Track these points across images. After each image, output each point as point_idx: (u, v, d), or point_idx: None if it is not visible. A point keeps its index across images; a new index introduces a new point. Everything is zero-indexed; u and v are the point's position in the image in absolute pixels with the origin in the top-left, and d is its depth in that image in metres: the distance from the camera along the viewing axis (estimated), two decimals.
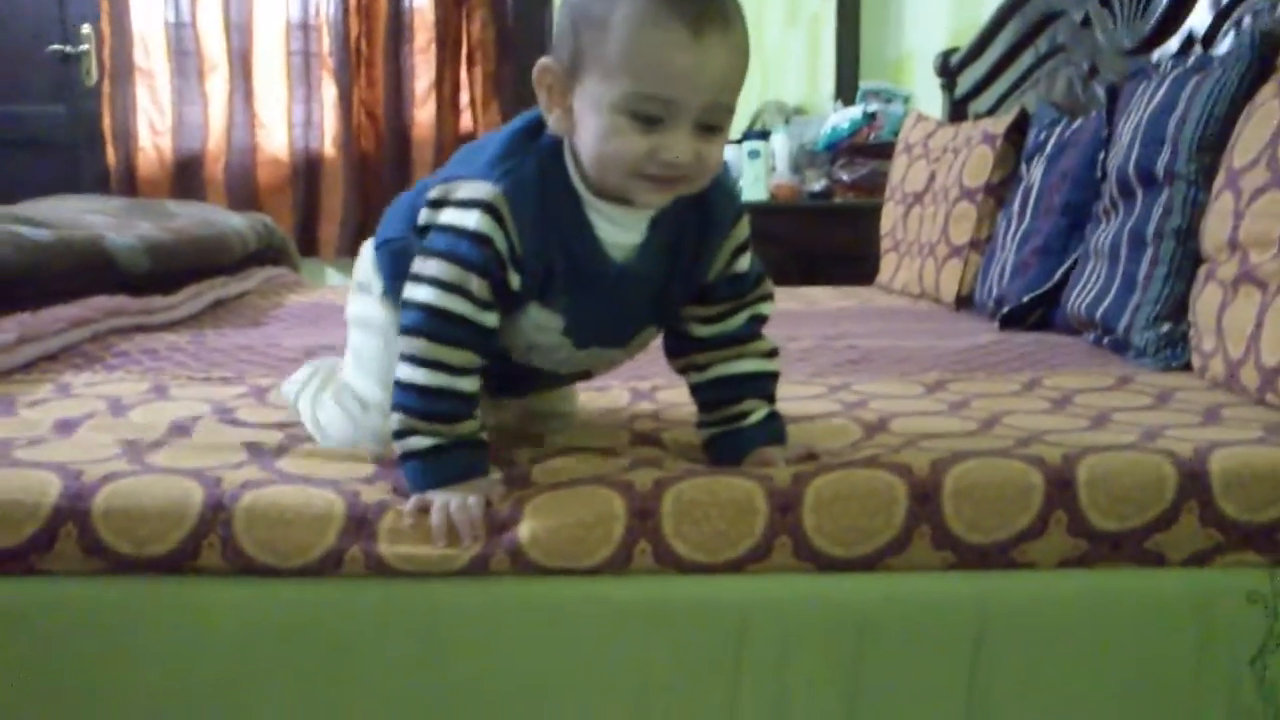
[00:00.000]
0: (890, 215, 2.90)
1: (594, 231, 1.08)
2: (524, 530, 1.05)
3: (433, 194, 1.09)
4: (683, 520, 1.06)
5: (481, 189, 1.04)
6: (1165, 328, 1.62)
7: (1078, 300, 1.88)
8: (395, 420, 1.07)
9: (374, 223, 4.37)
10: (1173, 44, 2.02)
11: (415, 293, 1.05)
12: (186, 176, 3.89)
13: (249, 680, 1.05)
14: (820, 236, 3.40)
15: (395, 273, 1.13)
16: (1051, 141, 2.24)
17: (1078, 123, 2.20)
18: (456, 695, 1.06)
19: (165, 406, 1.37)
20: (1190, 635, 1.09)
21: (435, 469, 1.06)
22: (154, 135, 3.88)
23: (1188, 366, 1.57)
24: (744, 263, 1.17)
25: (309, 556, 1.04)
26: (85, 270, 1.97)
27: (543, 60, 1.05)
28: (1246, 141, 1.51)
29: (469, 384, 1.07)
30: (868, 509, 1.08)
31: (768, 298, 1.20)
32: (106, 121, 3.87)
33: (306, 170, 3.93)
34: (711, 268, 1.15)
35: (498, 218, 1.04)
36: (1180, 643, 1.09)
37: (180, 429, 1.25)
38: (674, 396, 1.40)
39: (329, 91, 3.90)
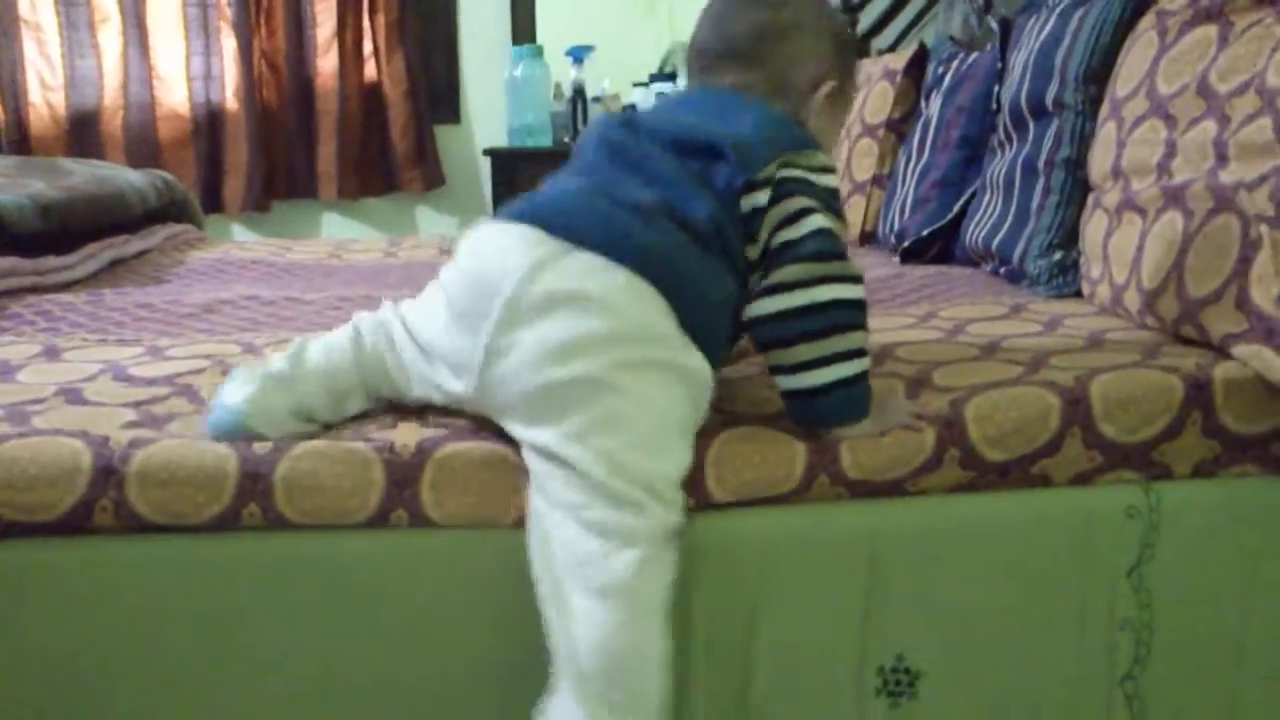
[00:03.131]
0: None
1: None
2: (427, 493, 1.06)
3: (785, 167, 1.13)
4: None
5: (829, 159, 1.18)
6: (1057, 256, 1.66)
7: (975, 232, 1.91)
8: (857, 339, 1.09)
9: (279, 176, 4.13)
10: None
11: (814, 221, 1.10)
12: (83, 133, 3.77)
13: (150, 640, 1.05)
14: None
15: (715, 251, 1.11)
16: (949, 76, 2.26)
17: (974, 56, 2.23)
18: (354, 644, 1.07)
19: (56, 368, 1.34)
20: (1074, 551, 1.13)
21: (867, 385, 1.12)
22: (45, 91, 3.75)
23: (1079, 294, 1.61)
24: None
25: (205, 515, 1.04)
26: None
27: (831, 79, 1.22)
28: (1128, 71, 1.54)
29: None
30: (769, 460, 1.10)
31: None
32: None
33: (208, 124, 3.83)
34: None
35: None
36: (1064, 558, 1.13)
37: (70, 391, 1.23)
38: None
39: (228, 43, 3.79)
